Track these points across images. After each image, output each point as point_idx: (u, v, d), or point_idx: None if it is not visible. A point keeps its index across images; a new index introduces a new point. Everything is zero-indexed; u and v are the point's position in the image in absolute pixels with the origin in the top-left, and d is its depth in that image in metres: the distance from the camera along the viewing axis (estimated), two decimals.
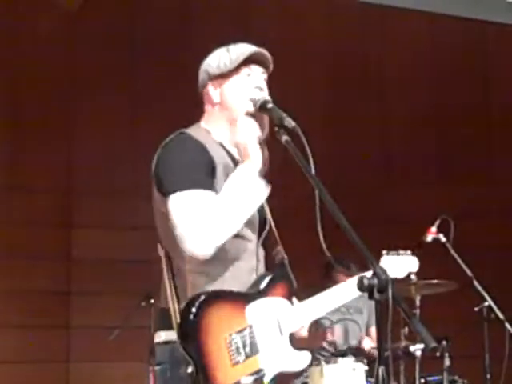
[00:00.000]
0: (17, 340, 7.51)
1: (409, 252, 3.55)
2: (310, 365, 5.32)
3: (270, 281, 3.04)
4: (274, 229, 3.18)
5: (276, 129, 2.92)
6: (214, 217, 2.85)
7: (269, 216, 3.17)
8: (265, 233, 3.12)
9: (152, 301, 5.47)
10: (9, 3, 7.58)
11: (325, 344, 5.69)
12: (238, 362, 2.88)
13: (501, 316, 5.35)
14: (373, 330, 5.85)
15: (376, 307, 2.56)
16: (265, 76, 3.14)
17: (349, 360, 5.20)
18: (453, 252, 5.33)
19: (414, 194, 7.85)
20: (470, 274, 5.34)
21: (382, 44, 8.43)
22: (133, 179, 7.46)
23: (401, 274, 3.45)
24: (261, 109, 2.98)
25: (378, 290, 2.54)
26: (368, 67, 8.44)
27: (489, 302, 5.38)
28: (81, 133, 7.87)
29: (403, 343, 5.22)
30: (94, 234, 7.77)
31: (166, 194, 2.92)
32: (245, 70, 3.09)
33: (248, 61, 3.08)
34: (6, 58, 7.65)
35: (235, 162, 3.04)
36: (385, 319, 2.56)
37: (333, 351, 5.67)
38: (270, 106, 2.97)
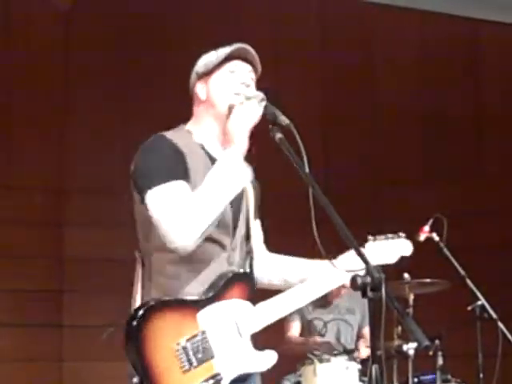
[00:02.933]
0: (9, 339, 7.50)
1: (401, 234, 3.37)
2: (303, 364, 5.35)
3: (226, 283, 2.98)
4: (251, 225, 3.15)
5: (270, 126, 2.90)
6: (193, 205, 2.83)
7: (245, 215, 3.13)
8: (239, 235, 3.08)
9: None
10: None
11: (318, 347, 5.68)
12: (189, 370, 2.85)
13: (494, 315, 5.35)
14: (366, 330, 5.86)
15: (369, 306, 2.56)
16: (252, 75, 3.13)
17: (342, 359, 5.21)
18: (446, 251, 5.32)
19: (408, 193, 7.84)
20: (462, 273, 5.34)
21: (375, 42, 8.43)
22: (125, 178, 7.45)
23: (391, 259, 3.28)
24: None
25: (371, 288, 2.54)
26: (361, 65, 8.44)
27: (482, 300, 5.37)
28: (73, 132, 7.85)
29: (396, 342, 5.22)
30: (87, 233, 7.76)
31: (142, 193, 2.93)
32: (228, 66, 3.09)
33: (232, 57, 3.08)
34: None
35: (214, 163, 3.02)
36: (378, 318, 2.55)
37: (328, 353, 5.67)
38: (263, 103, 2.95)
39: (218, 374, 2.89)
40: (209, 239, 2.93)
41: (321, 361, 5.22)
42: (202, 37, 7.05)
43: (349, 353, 5.42)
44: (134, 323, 2.85)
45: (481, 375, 5.38)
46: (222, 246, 3.01)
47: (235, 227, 3.06)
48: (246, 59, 3.10)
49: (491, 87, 8.20)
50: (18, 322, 7.52)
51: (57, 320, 7.78)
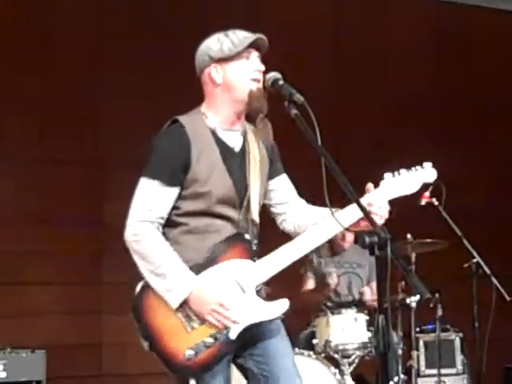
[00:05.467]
0: (57, 295, 7.57)
1: (426, 163, 3.24)
2: (317, 316, 5.38)
3: (225, 246, 2.99)
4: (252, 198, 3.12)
5: (286, 103, 2.90)
6: (142, 234, 2.95)
7: (250, 190, 3.11)
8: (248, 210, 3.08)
9: None
10: None
11: (330, 293, 5.70)
12: (193, 328, 2.89)
13: (488, 271, 5.36)
14: (373, 284, 5.86)
15: (376, 262, 2.58)
16: (259, 59, 3.13)
17: (351, 311, 5.23)
18: (444, 214, 5.32)
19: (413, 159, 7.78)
20: (459, 233, 5.34)
21: (386, 30, 8.32)
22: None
23: (414, 188, 3.19)
24: (273, 85, 2.98)
25: (378, 247, 2.55)
26: (371, 53, 8.36)
27: (477, 258, 5.39)
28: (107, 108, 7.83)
29: (400, 295, 5.24)
30: (124, 205, 7.78)
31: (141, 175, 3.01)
32: (245, 53, 3.07)
33: (249, 45, 3.07)
34: (38, 31, 7.58)
35: (226, 148, 3.06)
36: (384, 273, 2.56)
37: (337, 300, 5.69)
38: (280, 82, 2.97)
39: (225, 328, 2.90)
40: (215, 215, 2.99)
41: (333, 313, 5.25)
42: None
43: (357, 305, 5.43)
44: (136, 295, 2.97)
45: (476, 324, 5.40)
46: (229, 219, 3.03)
47: (242, 201, 3.07)
48: (259, 47, 3.10)
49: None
50: (64, 280, 7.59)
51: (97, 278, 7.85)
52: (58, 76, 7.43)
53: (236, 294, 2.96)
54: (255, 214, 3.11)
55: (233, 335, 2.92)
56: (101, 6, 7.48)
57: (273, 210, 3.28)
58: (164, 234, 3.01)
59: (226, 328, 2.90)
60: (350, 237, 5.76)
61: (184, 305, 2.88)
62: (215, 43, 3.09)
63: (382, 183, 3.13)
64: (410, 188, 3.20)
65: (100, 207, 7.86)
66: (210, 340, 2.89)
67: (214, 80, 3.08)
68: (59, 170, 7.55)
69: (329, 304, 5.64)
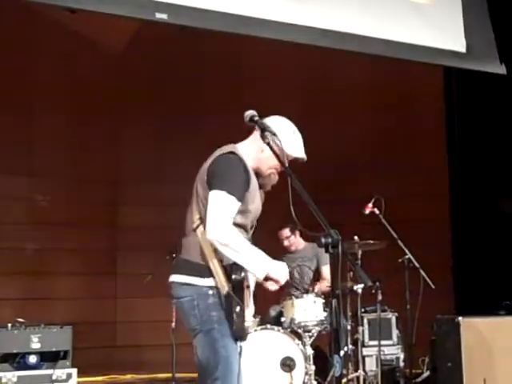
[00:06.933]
0: (81, 283, 7.52)
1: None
2: (284, 299, 5.37)
3: None
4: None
5: (260, 133, 2.92)
6: (231, 232, 2.83)
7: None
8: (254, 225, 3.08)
9: (174, 255, 5.43)
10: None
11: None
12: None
13: (417, 265, 5.39)
14: (323, 268, 5.79)
15: (330, 258, 2.58)
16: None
17: (311, 296, 5.22)
18: (383, 220, 5.35)
19: (359, 185, 7.78)
20: (395, 235, 5.36)
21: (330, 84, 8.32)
22: (158, 172, 7.49)
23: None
24: (250, 120, 2.94)
25: (331, 246, 2.56)
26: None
27: (408, 255, 5.41)
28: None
29: (349, 283, 5.23)
30: (139, 212, 7.73)
31: (212, 187, 2.87)
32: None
33: None
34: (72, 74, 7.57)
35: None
36: (336, 266, 2.57)
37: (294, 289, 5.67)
38: (256, 118, 2.94)
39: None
40: (245, 228, 2.96)
41: (297, 297, 5.25)
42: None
43: (307, 291, 5.39)
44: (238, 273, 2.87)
45: (408, 306, 5.41)
46: (246, 230, 3.00)
47: (252, 224, 3.04)
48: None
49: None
50: (85, 271, 7.55)
51: (113, 269, 7.81)
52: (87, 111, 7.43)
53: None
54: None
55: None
56: None
57: None
58: None
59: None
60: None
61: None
62: (284, 134, 2.96)
63: None
64: None
65: (115, 212, 7.84)
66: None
67: (259, 144, 2.99)
68: (86, 186, 7.57)
69: (292, 291, 5.62)
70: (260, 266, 2.83)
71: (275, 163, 2.97)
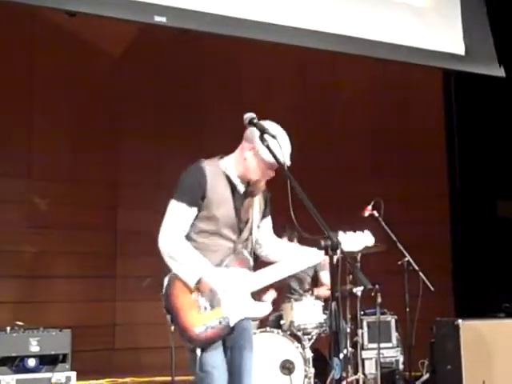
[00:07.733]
0: (80, 286, 7.50)
1: (367, 231, 3.30)
2: (283, 302, 5.37)
3: (230, 258, 3.05)
4: (253, 229, 3.15)
5: (259, 136, 2.91)
6: (172, 244, 2.98)
7: (250, 223, 3.13)
8: (246, 236, 3.11)
9: None
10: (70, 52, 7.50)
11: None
12: (204, 312, 2.95)
13: (416, 267, 5.38)
14: (321, 274, 5.80)
15: (330, 261, 2.58)
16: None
17: (310, 299, 5.22)
18: (383, 223, 5.35)
19: (359, 187, 7.77)
20: (394, 238, 5.36)
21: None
22: (158, 175, 7.49)
23: (357, 247, 3.23)
24: (249, 123, 2.95)
25: (331, 249, 2.56)
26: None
27: (408, 257, 5.41)
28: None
29: (348, 286, 5.23)
30: (137, 215, 7.72)
31: (171, 197, 3.05)
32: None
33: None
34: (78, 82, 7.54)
35: (233, 187, 3.06)
36: (336, 269, 2.57)
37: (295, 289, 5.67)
38: (255, 120, 2.95)
39: (226, 317, 2.96)
40: (219, 235, 3.03)
41: (296, 300, 5.25)
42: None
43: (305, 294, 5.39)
44: (165, 284, 3.03)
45: (407, 309, 5.41)
46: (229, 240, 3.06)
47: (241, 228, 3.08)
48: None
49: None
50: (84, 274, 7.53)
51: (112, 273, 7.80)
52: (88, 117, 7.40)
53: (236, 291, 3.00)
54: (253, 239, 3.15)
55: (232, 323, 2.97)
56: None
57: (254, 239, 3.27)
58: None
59: (227, 317, 2.95)
60: None
61: (198, 290, 2.94)
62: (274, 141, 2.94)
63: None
64: (354, 246, 3.22)
65: (114, 217, 7.83)
66: (216, 322, 2.95)
67: (244, 152, 3.04)
68: (85, 189, 7.55)
69: (290, 296, 5.63)
70: (190, 274, 2.93)
71: (266, 169, 3.00)
